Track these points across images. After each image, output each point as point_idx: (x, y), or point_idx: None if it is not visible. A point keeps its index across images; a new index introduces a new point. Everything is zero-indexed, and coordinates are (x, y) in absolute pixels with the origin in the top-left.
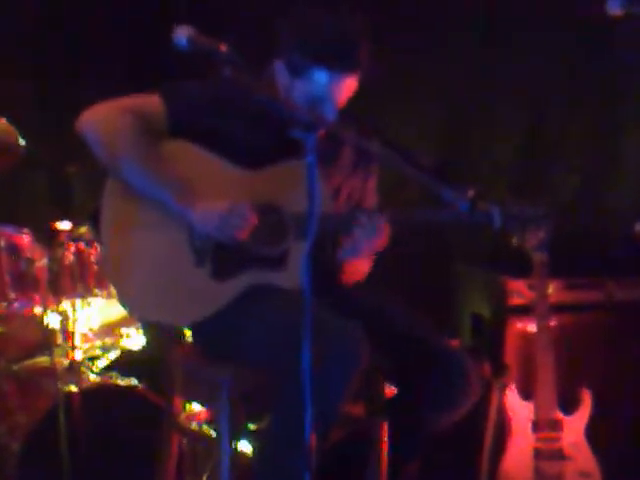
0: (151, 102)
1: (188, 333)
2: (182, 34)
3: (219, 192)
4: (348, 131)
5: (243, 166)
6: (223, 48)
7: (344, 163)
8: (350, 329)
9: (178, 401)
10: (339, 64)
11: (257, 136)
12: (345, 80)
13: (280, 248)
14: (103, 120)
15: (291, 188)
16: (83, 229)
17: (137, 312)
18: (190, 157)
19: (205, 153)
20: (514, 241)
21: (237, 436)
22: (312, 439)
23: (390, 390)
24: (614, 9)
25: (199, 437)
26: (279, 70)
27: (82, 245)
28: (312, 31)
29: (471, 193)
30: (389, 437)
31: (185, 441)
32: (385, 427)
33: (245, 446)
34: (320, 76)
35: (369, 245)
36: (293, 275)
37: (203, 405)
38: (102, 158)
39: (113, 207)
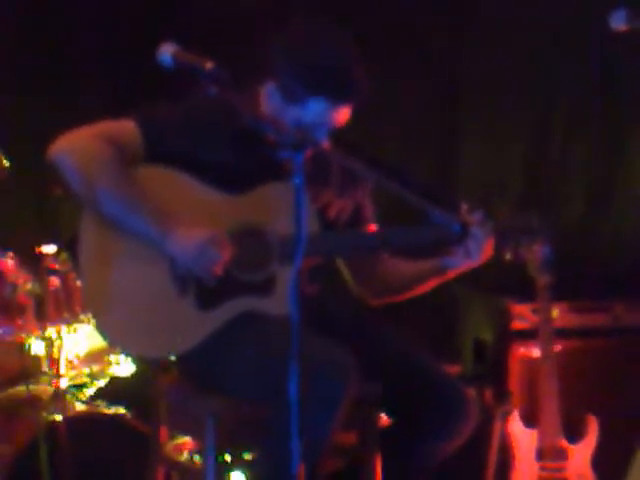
0: (126, 128)
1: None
2: (166, 51)
3: (200, 218)
4: (335, 151)
5: (225, 190)
6: (209, 65)
7: (333, 182)
8: (338, 357)
9: (164, 431)
10: (336, 95)
11: (239, 158)
12: (341, 109)
13: (263, 273)
14: (77, 148)
15: (275, 211)
16: (66, 255)
17: (119, 345)
18: (169, 183)
19: (185, 178)
20: (507, 257)
21: (229, 467)
22: (301, 470)
23: (384, 420)
24: (619, 24)
25: (186, 469)
26: (270, 92)
27: (68, 270)
28: (309, 60)
29: (465, 208)
30: (384, 468)
31: (174, 472)
32: (378, 458)
33: (239, 477)
34: (316, 105)
35: (477, 255)
36: (281, 301)
37: (190, 436)
38: (76, 187)
39: (91, 237)
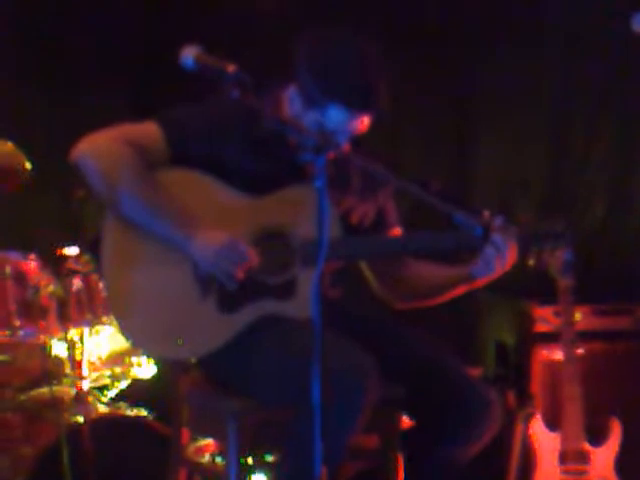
0: (149, 131)
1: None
2: (189, 54)
3: (223, 221)
4: (355, 155)
5: (248, 193)
6: (231, 68)
7: (354, 187)
8: (360, 360)
9: (186, 433)
10: (358, 104)
11: (261, 161)
12: (362, 117)
13: (285, 276)
14: (100, 151)
15: (297, 214)
16: (88, 257)
17: (142, 347)
18: (192, 186)
19: (207, 180)
20: (530, 262)
21: (252, 469)
22: (322, 473)
23: (406, 422)
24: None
25: (208, 471)
26: (292, 96)
27: (90, 272)
28: (332, 68)
29: (487, 214)
30: (406, 471)
31: (196, 474)
32: (400, 461)
33: (261, 479)
34: (337, 113)
35: (501, 263)
36: (303, 304)
37: (212, 438)
38: (99, 190)
39: (114, 239)
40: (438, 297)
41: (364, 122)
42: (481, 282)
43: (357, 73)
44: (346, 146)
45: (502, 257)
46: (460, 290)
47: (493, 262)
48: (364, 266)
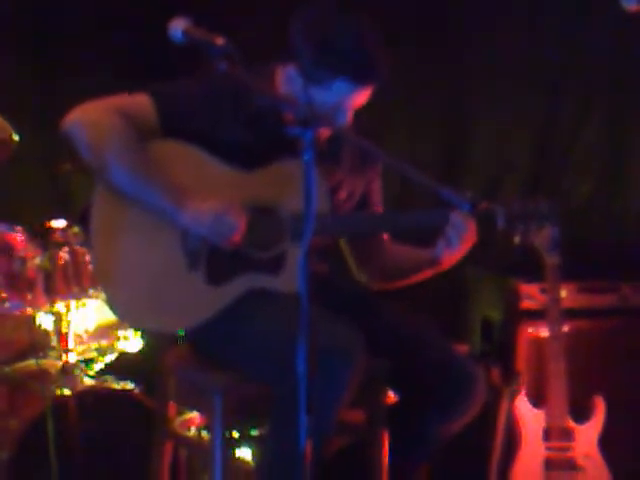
0: (141, 102)
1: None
2: (177, 26)
3: (214, 193)
4: (349, 131)
5: (238, 166)
6: (219, 41)
7: (345, 162)
8: (346, 335)
9: (172, 407)
10: (363, 76)
11: (252, 134)
12: (364, 90)
13: (274, 250)
14: (91, 121)
15: (288, 188)
16: (77, 229)
17: (128, 319)
18: (182, 158)
19: (198, 153)
20: (516, 240)
21: (237, 443)
22: (308, 447)
23: (391, 397)
24: (630, 3)
25: (195, 444)
26: (290, 76)
27: (77, 244)
28: (334, 43)
29: (469, 194)
30: (391, 446)
31: (181, 447)
32: (385, 435)
33: (246, 453)
34: (341, 87)
35: (461, 242)
36: (291, 279)
37: (198, 412)
38: (89, 159)
39: (103, 211)
40: (404, 279)
41: (364, 96)
42: (445, 264)
43: (360, 46)
44: (348, 122)
45: (460, 238)
46: (427, 273)
47: (452, 242)
48: (344, 245)
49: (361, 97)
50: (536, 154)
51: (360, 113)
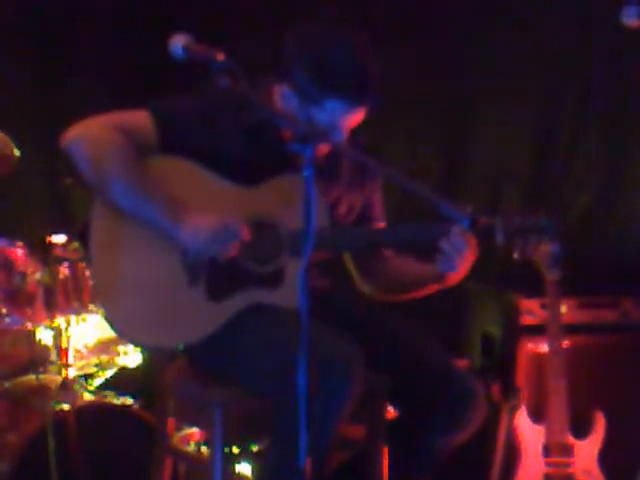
0: (140, 119)
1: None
2: (178, 42)
3: (213, 208)
4: (347, 146)
5: (237, 182)
6: (220, 57)
7: (344, 177)
8: (345, 350)
9: (171, 422)
10: (357, 98)
11: (252, 150)
12: (357, 111)
13: (273, 265)
14: (90, 137)
15: (287, 204)
16: (77, 244)
17: (127, 335)
18: (181, 174)
19: (197, 169)
20: (515, 255)
21: (237, 458)
22: (307, 464)
23: (391, 412)
24: (630, 19)
25: (194, 459)
26: (285, 95)
27: (77, 260)
28: (329, 64)
29: (469, 209)
30: (392, 461)
31: (181, 463)
32: (385, 451)
33: (246, 468)
34: (336, 107)
35: (462, 260)
36: (291, 294)
37: (197, 427)
38: (88, 176)
39: (102, 226)
40: (409, 293)
41: (358, 116)
42: (450, 281)
43: (353, 66)
44: (344, 139)
45: (461, 255)
46: (432, 288)
47: (454, 259)
48: (347, 258)
49: (356, 117)
50: (535, 168)
51: (357, 127)
